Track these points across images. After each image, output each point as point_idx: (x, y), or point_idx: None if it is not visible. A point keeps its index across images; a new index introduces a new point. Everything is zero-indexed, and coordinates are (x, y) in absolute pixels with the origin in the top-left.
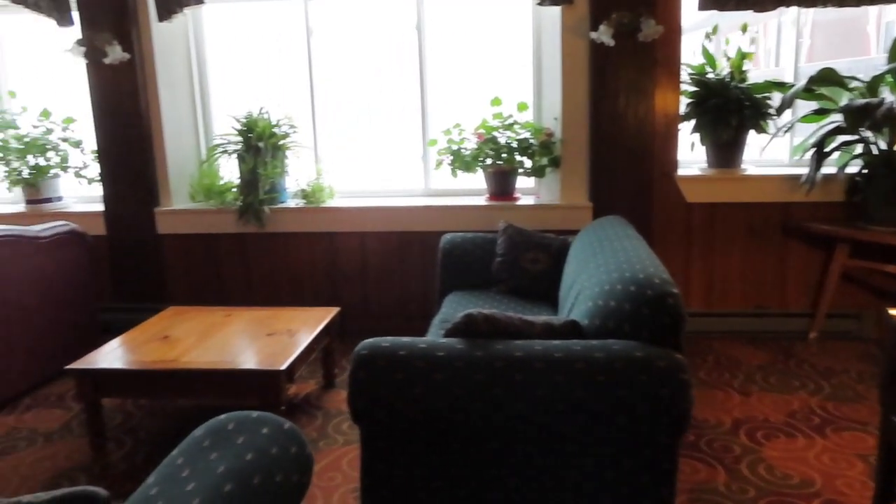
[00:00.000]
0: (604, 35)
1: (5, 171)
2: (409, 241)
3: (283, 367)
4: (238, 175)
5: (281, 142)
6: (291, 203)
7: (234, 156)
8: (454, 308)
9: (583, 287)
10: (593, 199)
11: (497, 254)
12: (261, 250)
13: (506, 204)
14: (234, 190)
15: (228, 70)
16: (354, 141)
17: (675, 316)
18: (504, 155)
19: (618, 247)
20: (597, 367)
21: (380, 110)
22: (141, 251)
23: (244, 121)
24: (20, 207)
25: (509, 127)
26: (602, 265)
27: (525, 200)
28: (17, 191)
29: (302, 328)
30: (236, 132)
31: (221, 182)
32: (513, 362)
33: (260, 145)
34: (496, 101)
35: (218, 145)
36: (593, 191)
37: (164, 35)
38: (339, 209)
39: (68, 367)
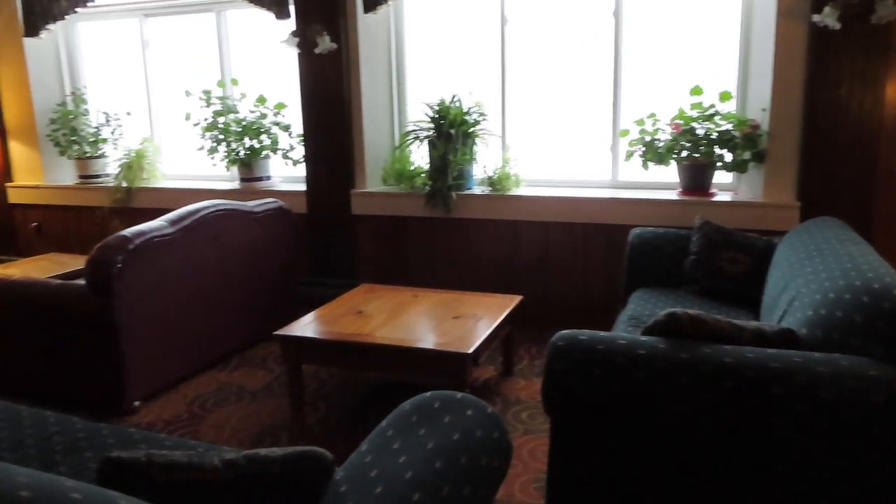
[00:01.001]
0: (828, 17)
1: (225, 152)
2: (594, 234)
3: (470, 350)
4: (428, 161)
5: (471, 129)
6: (477, 190)
7: (426, 142)
8: (643, 305)
9: (798, 293)
10: (802, 198)
11: (691, 252)
12: (445, 235)
13: (700, 199)
14: (424, 175)
15: (423, 59)
16: (542, 130)
17: None
18: (702, 147)
19: (841, 251)
20: (821, 382)
21: (570, 99)
22: (336, 230)
23: (437, 108)
24: (235, 184)
25: (709, 118)
26: (823, 271)
27: (721, 196)
28: (234, 169)
29: (486, 314)
30: (428, 119)
31: (412, 167)
32: (722, 368)
33: (451, 132)
34: (696, 91)
35: (410, 132)
36: (802, 189)
37: (368, 26)
38: (524, 198)
39: (277, 332)
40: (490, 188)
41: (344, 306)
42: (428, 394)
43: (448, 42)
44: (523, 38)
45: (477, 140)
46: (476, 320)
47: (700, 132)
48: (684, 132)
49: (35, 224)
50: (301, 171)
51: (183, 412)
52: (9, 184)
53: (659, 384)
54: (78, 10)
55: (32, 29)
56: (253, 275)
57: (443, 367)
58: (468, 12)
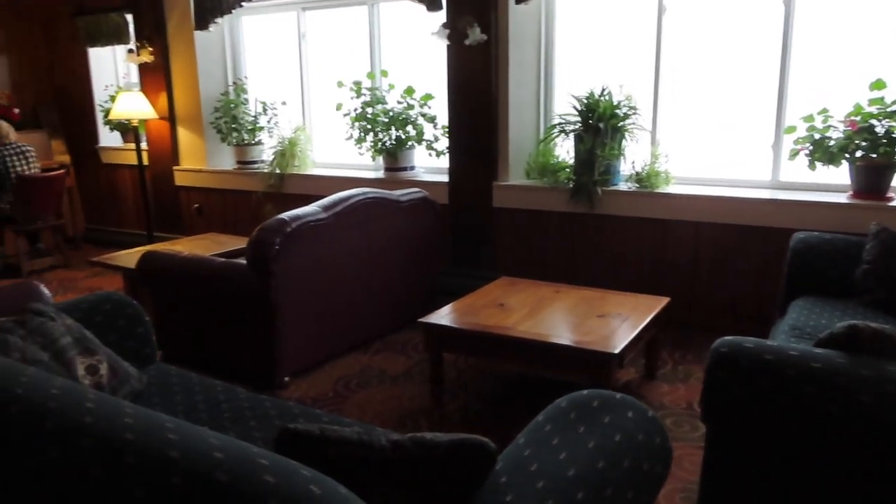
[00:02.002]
0: None
1: (372, 142)
2: (750, 236)
3: (617, 350)
4: (573, 155)
5: (620, 123)
6: (624, 186)
7: (571, 135)
8: (806, 315)
9: None
10: None
11: (864, 260)
12: (587, 231)
13: (875, 204)
14: (568, 169)
15: (573, 50)
16: (697, 125)
17: None
18: (881, 147)
19: None
20: None
21: (730, 93)
22: (477, 222)
23: (585, 101)
24: (380, 174)
25: (892, 115)
26: None
27: None
28: (379, 159)
29: (632, 314)
30: (576, 112)
31: (556, 161)
32: None
33: (600, 126)
34: (878, 85)
35: (556, 125)
36: None
37: (518, 17)
38: (674, 196)
39: (420, 320)
40: (637, 185)
41: (485, 298)
42: (585, 392)
43: (600, 33)
44: (682, 27)
45: (626, 134)
46: (621, 320)
47: (880, 130)
48: (861, 130)
49: (197, 206)
50: (444, 162)
51: (329, 391)
52: (176, 167)
53: (834, 401)
54: (243, 4)
55: (202, 23)
56: (396, 262)
57: (586, 365)
58: (623, 1)
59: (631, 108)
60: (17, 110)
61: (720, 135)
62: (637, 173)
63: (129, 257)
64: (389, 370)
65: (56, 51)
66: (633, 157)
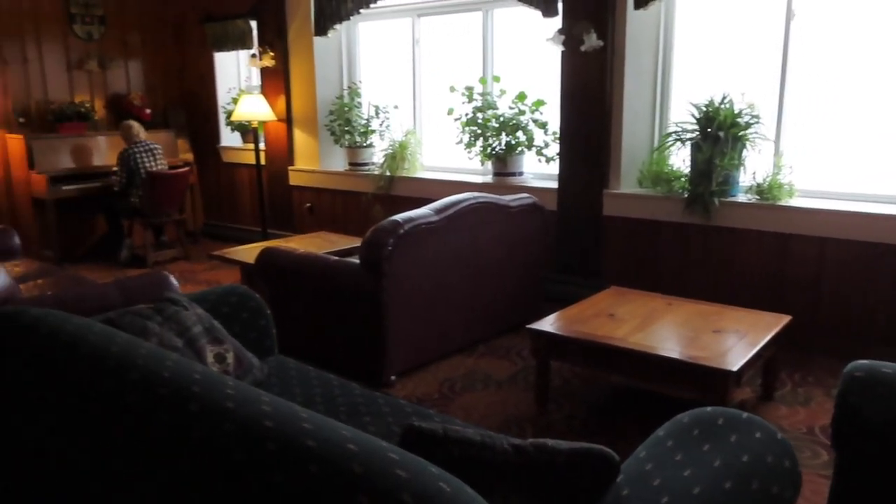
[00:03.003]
0: None
1: (482, 146)
2: (885, 255)
3: (735, 368)
4: (690, 164)
5: (741, 132)
6: (743, 198)
7: (688, 144)
8: None
9: None
10: None
11: None
12: (702, 243)
13: None
14: (684, 179)
15: (692, 56)
16: (826, 136)
17: None
18: None
19: None
20: None
21: (862, 102)
22: (585, 229)
23: (704, 109)
24: (488, 178)
25: None
26: None
27: None
28: (488, 164)
29: (750, 331)
30: (694, 120)
31: (670, 170)
32: None
33: (719, 134)
34: None
35: (672, 132)
36: None
37: (636, 22)
38: (798, 209)
39: (529, 326)
40: (758, 196)
41: (594, 307)
42: (708, 409)
43: (721, 39)
44: (811, 33)
45: (747, 144)
46: (739, 337)
47: None
48: None
49: (308, 205)
50: (553, 168)
51: (434, 392)
52: (291, 167)
53: None
54: (361, 11)
55: (321, 29)
56: (504, 267)
57: (701, 382)
58: (748, 6)
59: (753, 116)
60: (148, 111)
61: (851, 146)
62: (758, 184)
63: (246, 252)
64: (494, 374)
65: (185, 55)
66: (753, 168)
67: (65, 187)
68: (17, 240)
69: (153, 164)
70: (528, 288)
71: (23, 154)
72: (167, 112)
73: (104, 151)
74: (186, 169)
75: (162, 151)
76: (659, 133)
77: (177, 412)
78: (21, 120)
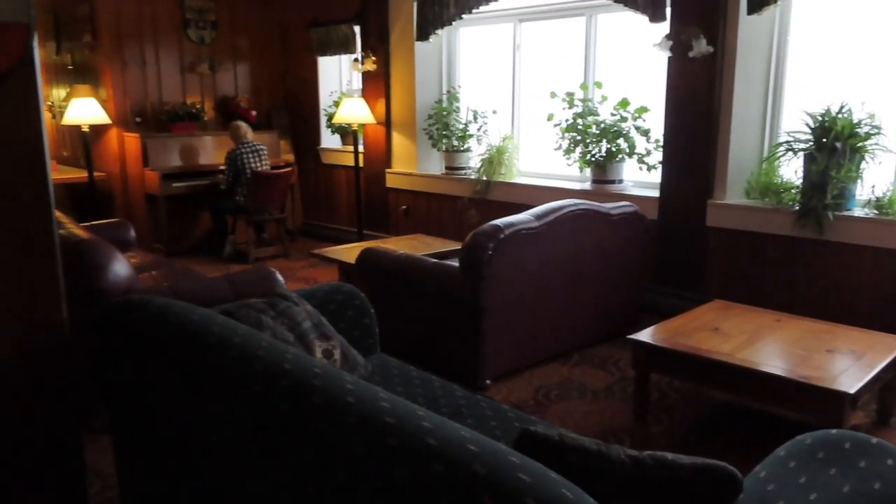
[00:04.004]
0: None
1: (581, 153)
2: None
3: (853, 390)
4: (802, 175)
5: (860, 143)
6: (860, 212)
7: (801, 155)
8: None
9: None
10: None
11: None
12: (813, 258)
13: None
14: (795, 191)
15: (807, 64)
16: None
17: None
18: None
19: None
20: None
21: None
22: (687, 240)
23: (820, 118)
24: (586, 185)
25: None
26: None
27: None
28: (586, 171)
29: (868, 352)
30: (808, 129)
31: (780, 181)
32: None
33: (836, 145)
34: None
35: (784, 142)
36: None
37: (748, 28)
38: None
39: (631, 336)
40: (877, 211)
41: (698, 320)
42: (833, 431)
43: (840, 46)
44: None
45: (866, 156)
46: (855, 358)
47: None
48: None
49: (404, 207)
50: (654, 177)
51: (529, 398)
52: (388, 170)
53: None
54: (463, 16)
55: (423, 34)
56: (601, 275)
57: (814, 402)
58: (870, 11)
59: (874, 126)
60: (254, 112)
61: None
62: (877, 198)
63: (344, 252)
64: (589, 384)
65: (290, 59)
66: (872, 181)
67: (175, 184)
68: (132, 233)
69: (259, 164)
70: (625, 298)
71: (138, 152)
72: (271, 114)
73: (211, 151)
74: (289, 169)
75: (267, 152)
76: (769, 142)
77: (299, 403)
78: (138, 120)
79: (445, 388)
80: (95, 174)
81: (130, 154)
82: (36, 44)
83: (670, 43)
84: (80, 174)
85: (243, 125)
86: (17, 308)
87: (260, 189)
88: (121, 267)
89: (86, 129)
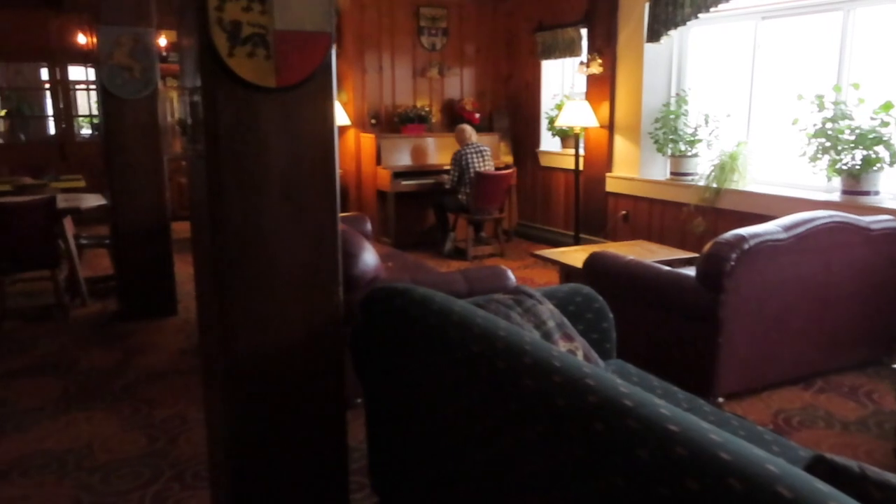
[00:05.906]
0: None
1: (829, 160)
2: None
3: None
4: None
5: None
6: None
7: None
8: None
9: None
10: None
11: None
12: None
13: None
14: None
15: None
16: None
17: None
18: None
19: None
20: None
21: None
22: None
23: None
24: (834, 196)
25: None
26: None
27: None
28: (835, 180)
29: None
30: None
31: None
32: None
33: None
34: None
35: None
36: None
37: None
38: None
39: None
40: None
41: None
42: None
43: None
44: None
45: None
46: None
47: None
48: None
49: (624, 212)
50: None
51: (767, 421)
52: (608, 174)
53: None
54: (700, 15)
55: (654, 35)
56: (855, 297)
57: None
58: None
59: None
60: (477, 115)
61: None
62: None
63: (566, 255)
64: (837, 414)
65: (514, 63)
66: None
67: (404, 182)
68: (369, 226)
69: (482, 164)
70: (881, 322)
71: (373, 151)
72: (493, 116)
73: (436, 152)
74: (511, 170)
75: (490, 153)
76: None
77: (541, 380)
78: (373, 121)
79: (691, 402)
80: None
81: (366, 153)
82: (333, 51)
83: None
84: None
85: (468, 128)
86: (304, 292)
87: (482, 188)
88: (370, 256)
89: None
